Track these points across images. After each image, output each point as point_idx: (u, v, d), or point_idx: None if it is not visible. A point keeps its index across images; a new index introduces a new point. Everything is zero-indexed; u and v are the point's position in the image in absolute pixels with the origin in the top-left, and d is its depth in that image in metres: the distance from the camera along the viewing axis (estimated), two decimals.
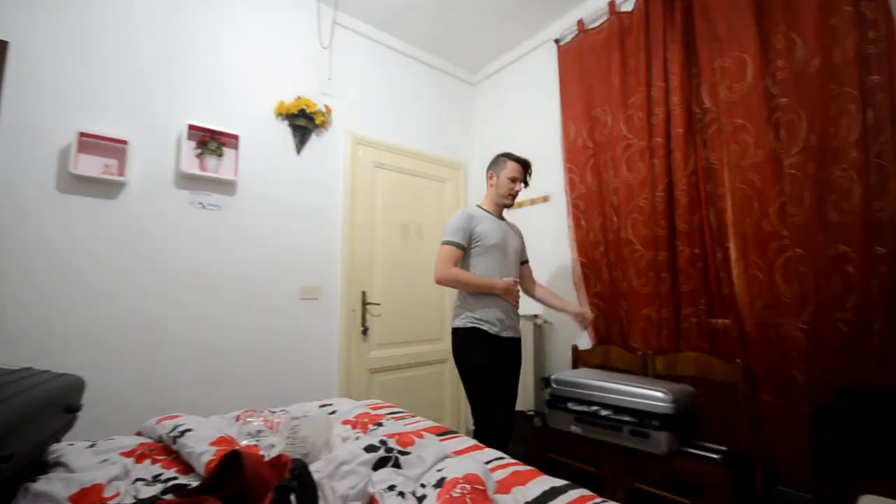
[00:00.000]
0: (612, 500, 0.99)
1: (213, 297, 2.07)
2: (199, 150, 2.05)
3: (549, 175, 2.69)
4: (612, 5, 2.34)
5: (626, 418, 1.76)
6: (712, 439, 1.78)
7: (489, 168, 2.03)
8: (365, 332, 2.59)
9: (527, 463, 1.24)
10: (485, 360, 1.78)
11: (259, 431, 1.40)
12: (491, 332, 1.81)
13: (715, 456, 1.64)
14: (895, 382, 1.44)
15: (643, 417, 1.72)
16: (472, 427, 3.10)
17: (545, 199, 2.75)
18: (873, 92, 1.53)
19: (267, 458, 0.93)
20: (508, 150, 2.01)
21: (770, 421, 1.70)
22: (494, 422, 1.74)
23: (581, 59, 2.50)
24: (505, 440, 1.73)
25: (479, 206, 2.02)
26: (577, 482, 1.10)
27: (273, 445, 1.25)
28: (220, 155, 2.09)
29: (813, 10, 1.65)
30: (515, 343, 1.93)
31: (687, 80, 2.02)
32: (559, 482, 1.05)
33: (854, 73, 1.55)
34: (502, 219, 2.03)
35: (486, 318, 1.82)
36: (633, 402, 1.75)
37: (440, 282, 1.85)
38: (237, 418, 1.47)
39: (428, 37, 2.92)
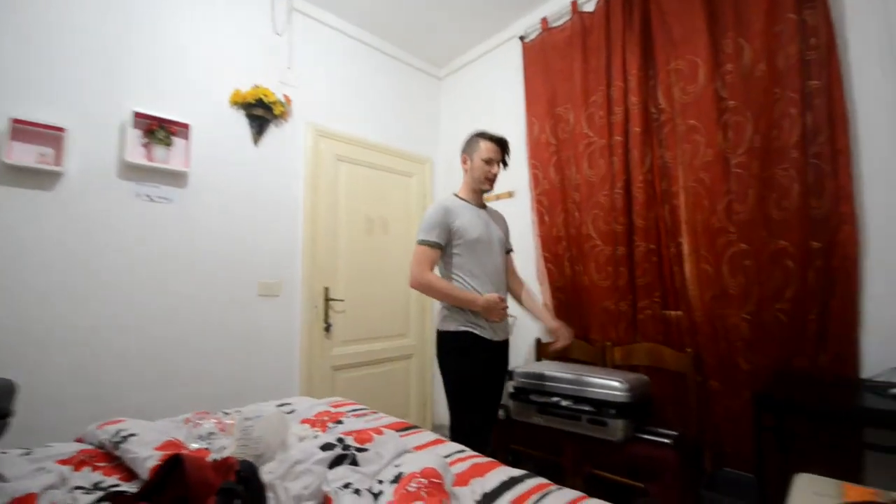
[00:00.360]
0: (572, 486, 1.01)
1: (163, 295, 1.96)
2: (145, 140, 1.93)
3: (514, 171, 2.71)
4: (574, 5, 2.38)
5: (584, 408, 1.82)
6: (665, 425, 1.86)
7: (462, 150, 1.84)
8: (328, 328, 2.53)
9: (490, 455, 1.25)
10: (475, 369, 1.64)
11: (210, 434, 1.34)
12: (485, 336, 1.66)
13: (666, 441, 1.72)
14: (828, 368, 1.56)
15: (600, 406, 1.78)
16: (437, 422, 3.13)
17: (510, 194, 2.78)
18: (812, 96, 1.62)
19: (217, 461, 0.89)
20: (482, 129, 1.82)
21: (718, 406, 1.80)
22: (475, 432, 1.63)
23: (545, 57, 2.53)
24: (483, 448, 1.66)
25: (456, 195, 1.83)
26: (539, 471, 1.12)
27: (225, 448, 1.20)
28: (170, 145, 1.98)
29: (760, 17, 1.74)
30: (506, 345, 1.81)
31: (644, 80, 2.09)
32: (517, 472, 1.06)
33: (796, 78, 1.64)
34: (483, 206, 1.85)
35: (480, 323, 1.66)
36: (592, 391, 1.81)
37: (415, 286, 1.69)
38: (186, 421, 1.41)
39: (393, 28, 2.87)
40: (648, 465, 1.67)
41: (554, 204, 2.44)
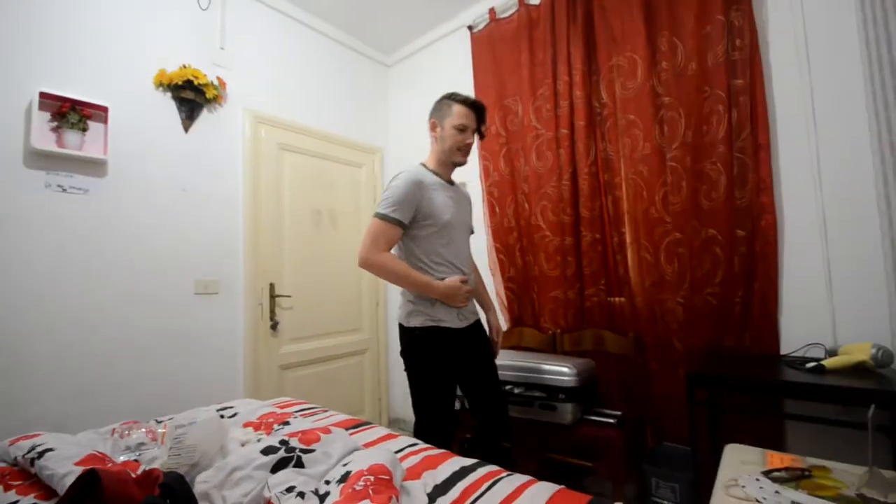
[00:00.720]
0: (525, 471, 1.03)
1: (82, 296, 1.77)
2: (55, 123, 1.72)
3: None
4: None
5: (536, 394, 1.87)
6: (610, 405, 1.96)
7: (431, 115, 1.59)
8: (274, 326, 2.42)
9: (446, 446, 1.25)
10: (446, 366, 1.47)
11: (140, 444, 1.24)
12: (454, 326, 1.48)
13: (611, 421, 1.80)
14: (753, 346, 1.70)
15: (551, 392, 1.83)
16: (393, 416, 3.10)
17: (461, 185, 2.77)
18: (738, 94, 1.74)
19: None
20: (454, 91, 1.59)
21: (657, 385, 1.91)
22: (440, 433, 1.45)
23: (493, 48, 2.54)
24: (505, 434, 1.59)
25: (425, 166, 1.56)
26: (494, 459, 1.14)
27: (156, 458, 1.11)
28: (85, 129, 1.78)
29: (691, 18, 1.84)
30: (478, 326, 1.62)
31: (588, 75, 2.15)
32: (469, 461, 1.07)
33: (723, 77, 1.76)
34: (451, 182, 1.60)
35: (446, 313, 1.47)
36: (542, 378, 1.86)
37: (364, 266, 1.44)
38: (113, 432, 1.29)
39: (338, 12, 2.75)
40: (595, 445, 1.75)
41: (504, 195, 2.47)
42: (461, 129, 1.50)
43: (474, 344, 1.58)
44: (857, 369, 1.33)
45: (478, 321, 1.63)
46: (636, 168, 1.98)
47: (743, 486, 0.93)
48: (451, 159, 1.55)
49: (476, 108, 1.55)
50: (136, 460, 1.12)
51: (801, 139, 1.65)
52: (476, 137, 1.58)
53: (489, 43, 2.56)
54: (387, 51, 3.25)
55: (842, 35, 1.55)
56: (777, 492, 0.89)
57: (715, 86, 1.78)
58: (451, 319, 1.48)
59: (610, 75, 2.08)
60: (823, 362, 1.37)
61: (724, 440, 1.38)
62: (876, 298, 1.48)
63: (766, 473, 0.98)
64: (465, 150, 1.54)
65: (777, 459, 1.08)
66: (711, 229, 1.79)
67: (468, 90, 2.67)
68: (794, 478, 0.95)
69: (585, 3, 2.15)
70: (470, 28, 2.68)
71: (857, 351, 1.35)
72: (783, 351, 1.65)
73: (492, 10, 2.54)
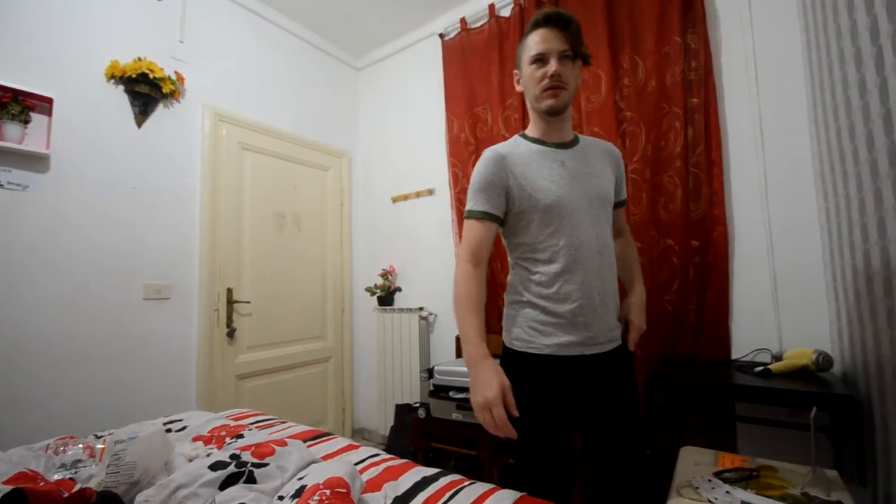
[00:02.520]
0: (488, 479, 1.02)
1: (16, 300, 1.63)
2: None
3: (435, 168, 2.71)
4: (491, 7, 2.44)
5: None
6: None
7: (516, 67, 1.16)
8: (231, 333, 2.31)
9: (412, 455, 1.22)
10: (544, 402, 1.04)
11: (77, 462, 1.15)
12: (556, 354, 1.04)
13: None
14: (705, 351, 1.77)
15: None
16: (357, 426, 3.03)
17: (430, 192, 2.77)
18: (693, 112, 1.84)
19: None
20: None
21: None
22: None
23: (464, 57, 2.57)
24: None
25: (524, 134, 1.16)
26: (458, 466, 1.11)
27: (93, 476, 1.03)
28: (27, 122, 1.65)
29: (651, 38, 1.92)
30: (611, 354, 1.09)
31: None
32: (431, 471, 1.04)
33: (680, 96, 1.85)
34: (569, 144, 1.13)
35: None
36: None
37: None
38: (48, 448, 1.19)
39: (308, 12, 2.71)
40: None
41: None
42: (540, 60, 1.04)
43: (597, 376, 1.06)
44: (801, 373, 1.41)
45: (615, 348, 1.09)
46: None
47: (696, 488, 0.96)
48: (541, 108, 1.07)
49: (556, 21, 1.04)
50: (71, 479, 1.04)
51: (750, 156, 1.75)
52: (576, 67, 1.07)
53: (460, 51, 2.59)
54: (357, 54, 3.22)
55: (788, 59, 1.67)
56: (728, 492, 0.92)
57: (673, 103, 1.87)
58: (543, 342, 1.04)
59: (576, 88, 2.14)
60: (770, 367, 1.44)
61: (681, 443, 1.43)
62: (817, 306, 1.58)
63: (718, 474, 1.02)
64: (554, 86, 1.03)
65: (728, 460, 1.12)
66: (669, 239, 1.86)
67: (439, 97, 2.69)
68: (744, 478, 0.99)
69: None
70: (441, 36, 2.70)
71: (800, 356, 1.43)
72: (734, 356, 1.73)
73: (463, 20, 2.57)
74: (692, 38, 1.84)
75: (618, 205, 1.22)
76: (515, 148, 1.11)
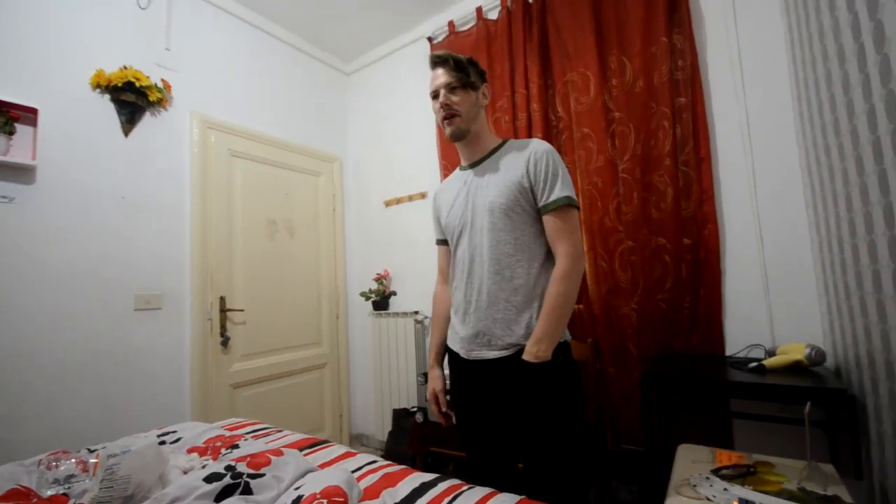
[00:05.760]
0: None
1: (4, 314, 1.60)
2: None
3: (426, 171, 2.71)
4: (479, 11, 2.46)
5: None
6: None
7: None
8: (225, 342, 2.28)
9: (410, 460, 1.21)
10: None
11: (70, 477, 1.13)
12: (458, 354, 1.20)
13: None
14: (700, 348, 1.78)
15: None
16: (355, 432, 3.01)
17: (423, 195, 2.77)
18: (681, 111, 1.85)
19: None
20: None
21: (614, 389, 1.96)
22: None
23: None
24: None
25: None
26: (456, 470, 1.10)
27: (87, 492, 1.01)
28: (11, 133, 1.63)
29: (638, 39, 1.94)
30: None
31: (544, 89, 2.21)
32: (429, 477, 1.04)
33: (667, 95, 1.86)
34: (476, 163, 1.21)
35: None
36: None
37: None
38: (39, 463, 1.17)
39: (295, 17, 2.70)
40: None
41: None
42: (434, 97, 1.18)
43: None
44: (794, 368, 1.42)
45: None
46: (591, 179, 2.05)
47: (694, 485, 0.96)
48: (446, 135, 1.20)
49: (438, 61, 1.17)
50: (64, 494, 1.02)
51: (738, 153, 1.77)
52: (467, 94, 1.16)
53: None
54: (346, 58, 3.21)
55: (772, 57, 1.69)
56: (725, 489, 0.92)
57: (660, 103, 1.88)
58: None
59: (565, 90, 2.16)
60: (763, 362, 1.45)
61: (678, 440, 1.44)
62: (808, 301, 1.60)
63: (716, 471, 1.02)
64: (446, 116, 1.15)
65: (725, 457, 1.12)
66: (661, 238, 1.88)
67: (428, 100, 2.68)
68: (741, 474, 1.00)
69: (541, 21, 2.23)
70: (430, 39, 2.70)
71: (793, 351, 1.44)
72: (728, 352, 1.74)
73: (451, 23, 2.58)
74: (678, 38, 1.86)
75: (545, 210, 1.09)
76: (449, 178, 1.31)
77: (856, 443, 1.19)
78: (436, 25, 2.69)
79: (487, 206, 1.13)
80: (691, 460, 1.15)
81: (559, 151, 2.17)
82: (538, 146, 1.13)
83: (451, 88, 1.15)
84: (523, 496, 0.91)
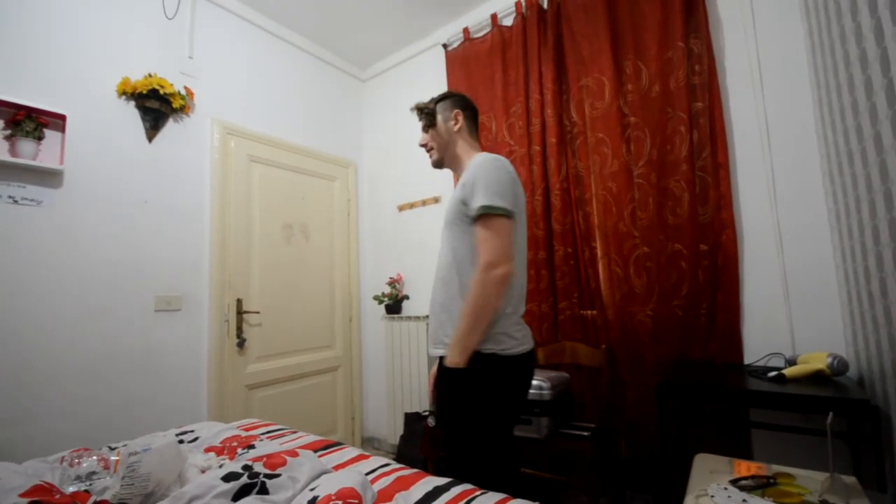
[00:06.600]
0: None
1: (29, 314, 1.66)
2: (8, 131, 1.63)
3: (440, 175, 2.72)
4: (494, 17, 2.47)
5: None
6: (584, 418, 1.96)
7: None
8: (241, 344, 2.32)
9: (422, 464, 1.21)
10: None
11: (92, 474, 1.16)
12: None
13: (585, 434, 1.80)
14: (717, 356, 1.75)
15: (527, 406, 1.82)
16: (367, 435, 3.02)
17: (436, 200, 2.79)
18: (698, 116, 1.83)
19: None
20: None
21: (629, 396, 1.93)
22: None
23: (467, 66, 2.59)
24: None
25: None
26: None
27: (108, 488, 1.04)
28: (40, 138, 1.70)
29: (654, 43, 1.93)
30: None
31: (559, 94, 2.21)
32: (442, 481, 1.04)
33: (684, 100, 1.85)
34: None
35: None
36: None
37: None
38: (62, 460, 1.21)
39: (312, 25, 2.76)
40: (569, 458, 1.74)
41: None
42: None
43: None
44: (816, 377, 1.38)
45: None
46: (606, 184, 2.04)
47: (712, 496, 0.94)
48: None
49: (413, 111, 1.47)
50: (86, 491, 1.05)
51: (757, 158, 1.74)
52: (435, 131, 1.42)
53: (463, 61, 2.61)
54: (361, 65, 3.26)
55: (792, 61, 1.67)
56: (745, 500, 0.90)
57: (677, 108, 1.87)
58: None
59: (579, 95, 2.15)
60: (784, 371, 1.42)
61: (694, 450, 1.41)
62: (830, 308, 1.56)
63: (734, 482, 1.00)
64: (427, 152, 1.45)
65: (744, 468, 1.10)
66: (677, 244, 1.85)
67: None
68: (760, 486, 0.98)
69: (556, 26, 2.23)
70: (445, 46, 2.73)
71: (815, 360, 1.41)
72: (746, 361, 1.71)
73: (466, 30, 2.60)
74: (695, 42, 1.85)
75: (472, 221, 1.18)
76: None
77: (879, 454, 1.15)
78: (451, 32, 2.71)
79: (446, 217, 1.29)
80: (709, 470, 1.13)
81: (573, 156, 2.18)
82: (474, 160, 1.24)
83: (424, 129, 1.43)
84: (537, 502, 0.91)
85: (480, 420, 1.15)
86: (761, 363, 1.64)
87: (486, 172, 1.16)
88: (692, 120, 1.84)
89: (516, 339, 1.18)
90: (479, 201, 1.13)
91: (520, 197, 1.25)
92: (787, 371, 1.41)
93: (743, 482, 0.99)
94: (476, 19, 2.59)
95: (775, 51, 1.71)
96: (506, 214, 1.13)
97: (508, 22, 2.43)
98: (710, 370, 1.66)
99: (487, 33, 2.51)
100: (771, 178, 1.70)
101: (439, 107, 1.42)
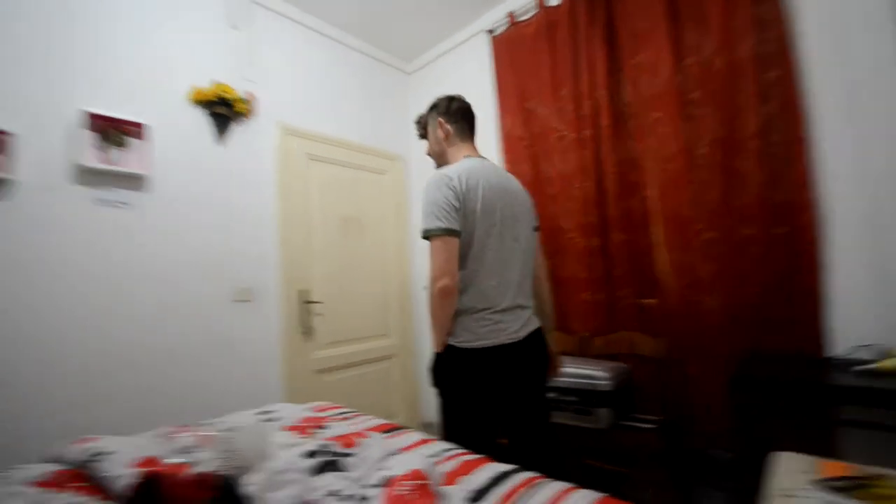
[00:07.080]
0: (562, 477, 1.02)
1: (128, 305, 1.86)
2: (100, 141, 1.83)
3: None
4: None
5: (570, 398, 1.84)
6: (647, 410, 1.91)
7: None
8: (307, 332, 2.47)
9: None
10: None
11: (188, 447, 1.29)
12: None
13: (648, 426, 1.76)
14: (796, 348, 1.63)
15: (585, 396, 1.81)
16: (426, 420, 3.11)
17: None
18: (770, 87, 1.69)
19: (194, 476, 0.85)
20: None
21: (695, 389, 1.85)
22: None
23: (513, 52, 2.54)
24: None
25: None
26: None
27: (204, 461, 1.15)
28: (124, 146, 1.88)
29: (717, 12, 1.79)
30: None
31: (610, 74, 2.12)
32: (507, 467, 1.06)
33: (753, 71, 1.71)
34: None
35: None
36: (576, 382, 1.83)
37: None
38: (162, 435, 1.35)
39: (358, 22, 2.82)
40: (632, 451, 1.71)
41: None
42: None
43: None
44: None
45: None
46: (664, 166, 1.94)
47: (796, 497, 0.90)
48: None
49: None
50: (185, 463, 1.17)
51: (841, 131, 1.58)
52: (427, 139, 1.61)
53: (509, 46, 2.57)
54: (407, 58, 3.29)
55: (879, 19, 1.48)
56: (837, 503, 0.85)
57: (745, 80, 1.73)
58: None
59: (633, 73, 2.05)
60: (876, 365, 1.30)
61: (768, 447, 1.33)
62: None
63: (820, 483, 0.94)
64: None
65: (831, 468, 1.03)
66: (747, 228, 1.74)
67: (488, 94, 2.68)
68: (851, 487, 0.91)
69: (606, 2, 2.13)
70: (489, 32, 2.69)
71: None
72: (830, 353, 1.58)
73: (510, 14, 2.55)
74: (765, 7, 1.70)
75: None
76: None
77: None
78: (495, 18, 2.67)
79: None
80: (790, 470, 1.07)
81: (628, 138, 2.09)
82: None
83: (420, 139, 1.64)
84: (606, 494, 0.91)
85: (445, 395, 1.38)
86: (847, 355, 1.51)
87: (425, 196, 1.29)
88: (763, 92, 1.70)
89: (476, 334, 1.28)
90: (420, 226, 1.29)
91: (473, 202, 1.28)
92: (880, 364, 1.30)
93: (831, 483, 0.93)
94: (520, 2, 2.52)
95: (859, 8, 1.53)
96: (441, 234, 1.24)
97: (555, 1, 2.35)
98: (788, 362, 1.55)
99: (533, 16, 2.45)
100: (861, 152, 1.54)
101: (429, 117, 1.53)
